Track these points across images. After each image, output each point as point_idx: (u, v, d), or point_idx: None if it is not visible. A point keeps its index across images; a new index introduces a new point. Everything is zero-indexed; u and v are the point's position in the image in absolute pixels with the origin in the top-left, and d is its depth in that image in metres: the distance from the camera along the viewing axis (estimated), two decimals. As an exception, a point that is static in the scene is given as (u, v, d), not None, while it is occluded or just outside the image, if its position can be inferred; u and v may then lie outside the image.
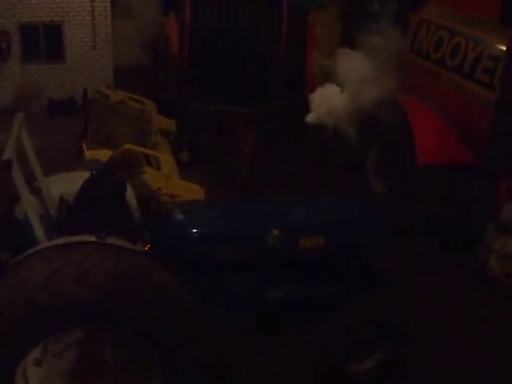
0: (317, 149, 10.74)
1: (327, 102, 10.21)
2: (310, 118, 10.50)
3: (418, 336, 6.98)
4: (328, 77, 10.78)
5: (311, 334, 6.56)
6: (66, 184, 6.77)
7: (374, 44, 10.23)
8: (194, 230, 6.57)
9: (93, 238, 5.48)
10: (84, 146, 10.63)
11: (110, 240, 5.51)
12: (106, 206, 6.16)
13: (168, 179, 10.16)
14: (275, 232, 6.56)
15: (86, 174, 6.66)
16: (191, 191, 10.07)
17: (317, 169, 10.69)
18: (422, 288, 8.42)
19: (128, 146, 9.93)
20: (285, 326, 6.67)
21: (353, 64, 10.16)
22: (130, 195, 6.95)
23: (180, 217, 6.69)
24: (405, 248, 8.89)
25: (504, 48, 9.11)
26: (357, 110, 10.14)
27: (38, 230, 5.74)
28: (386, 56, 10.07)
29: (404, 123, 10.09)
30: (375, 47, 10.18)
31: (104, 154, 9.11)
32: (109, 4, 16.30)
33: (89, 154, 10.17)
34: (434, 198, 9.68)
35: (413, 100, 10.51)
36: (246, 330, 6.58)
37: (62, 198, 6.70)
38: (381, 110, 9.79)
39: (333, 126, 10.35)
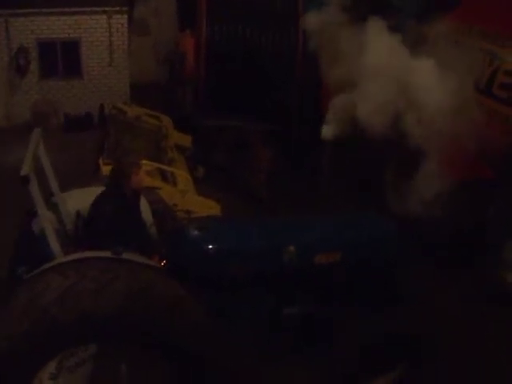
0: (333, 164, 10.66)
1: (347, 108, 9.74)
2: (325, 132, 10.38)
3: (433, 353, 6.91)
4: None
5: (326, 350, 6.51)
6: (83, 199, 6.76)
7: None
8: (210, 246, 6.55)
9: (109, 254, 5.48)
10: (101, 161, 10.68)
11: (125, 255, 5.51)
12: (114, 218, 6.15)
13: (184, 195, 10.18)
14: (291, 248, 6.54)
15: (102, 190, 6.67)
16: (207, 207, 10.08)
17: (333, 184, 10.62)
18: (438, 304, 8.35)
19: (144, 161, 9.97)
20: (300, 342, 6.63)
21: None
22: (146, 211, 6.96)
23: (196, 233, 6.67)
24: (421, 264, 8.82)
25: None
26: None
27: (55, 245, 5.75)
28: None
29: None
30: None
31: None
32: (125, 21, 16.45)
33: (105, 169, 10.19)
34: (452, 213, 9.61)
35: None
36: (261, 347, 6.53)
37: (78, 213, 6.73)
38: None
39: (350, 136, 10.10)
